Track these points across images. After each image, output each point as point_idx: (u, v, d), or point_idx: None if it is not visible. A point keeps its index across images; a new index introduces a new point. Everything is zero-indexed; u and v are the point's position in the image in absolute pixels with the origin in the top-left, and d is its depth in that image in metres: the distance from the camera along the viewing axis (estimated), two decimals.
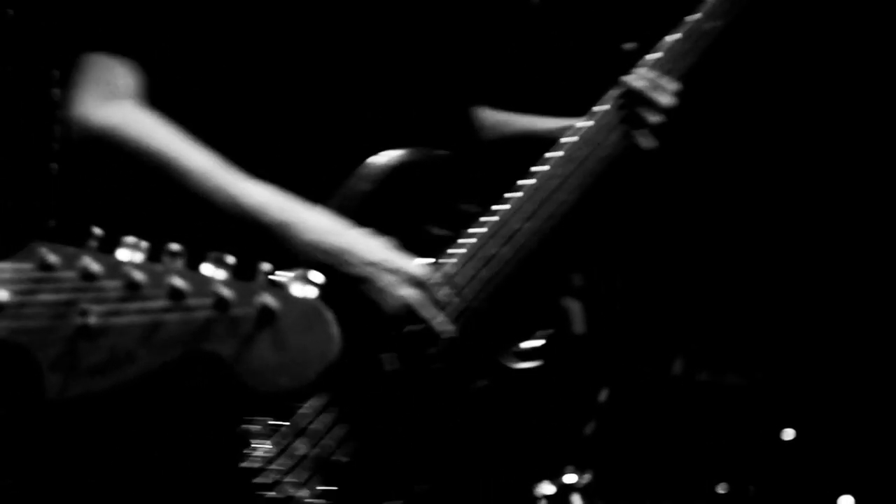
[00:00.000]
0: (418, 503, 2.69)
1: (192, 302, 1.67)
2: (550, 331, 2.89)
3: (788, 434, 4.53)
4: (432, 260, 2.71)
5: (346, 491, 2.59)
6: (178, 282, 1.67)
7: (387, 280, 2.62)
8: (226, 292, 1.67)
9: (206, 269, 1.69)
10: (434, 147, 2.82)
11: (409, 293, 2.63)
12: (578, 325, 3.32)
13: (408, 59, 2.84)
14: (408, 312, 2.64)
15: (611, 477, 3.84)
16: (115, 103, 2.61)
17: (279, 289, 1.68)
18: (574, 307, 3.18)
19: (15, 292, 1.67)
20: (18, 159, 3.05)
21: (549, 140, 2.87)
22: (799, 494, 4.50)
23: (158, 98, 2.65)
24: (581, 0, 3.39)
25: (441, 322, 2.66)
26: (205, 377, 1.66)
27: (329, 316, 1.68)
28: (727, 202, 4.43)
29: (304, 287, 1.69)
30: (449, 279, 2.70)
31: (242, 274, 1.70)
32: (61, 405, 1.65)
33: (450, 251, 2.73)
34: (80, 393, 1.65)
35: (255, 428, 2.52)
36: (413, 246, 2.70)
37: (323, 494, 2.57)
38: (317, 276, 1.70)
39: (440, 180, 2.80)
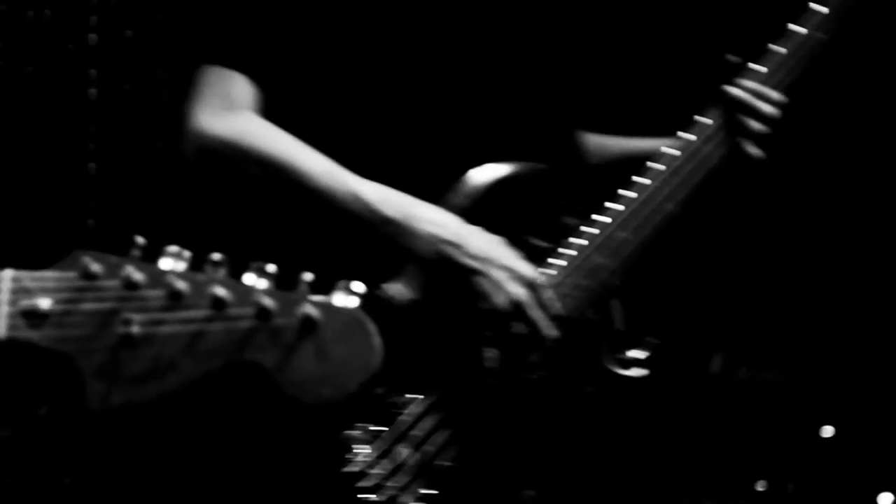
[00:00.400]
0: None
1: (234, 311, 1.67)
2: (655, 340, 2.91)
3: (828, 431, 4.51)
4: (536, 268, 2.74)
5: (449, 495, 2.62)
6: (221, 291, 1.67)
7: (499, 276, 2.66)
8: (268, 302, 1.67)
9: (248, 278, 1.69)
10: (538, 161, 2.85)
11: (519, 291, 2.66)
12: (618, 322, 3.30)
13: (512, 74, 2.86)
14: (516, 310, 2.67)
15: (650, 474, 3.82)
16: (233, 113, 2.70)
17: (321, 299, 1.68)
18: (615, 304, 3.16)
19: (58, 301, 1.67)
20: (58, 163, 3.07)
21: (652, 159, 2.88)
22: (838, 492, 4.48)
23: (270, 112, 2.73)
24: (683, 12, 3.39)
25: (548, 325, 2.69)
26: (247, 387, 1.66)
27: (371, 327, 1.68)
28: (768, 200, 4.40)
29: (347, 297, 1.69)
30: (554, 287, 2.72)
31: (284, 284, 1.70)
32: (103, 414, 1.65)
33: (551, 261, 2.75)
34: (123, 402, 1.65)
35: (356, 433, 2.55)
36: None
37: (425, 498, 2.60)
38: (358, 287, 1.70)
39: (542, 193, 2.83)
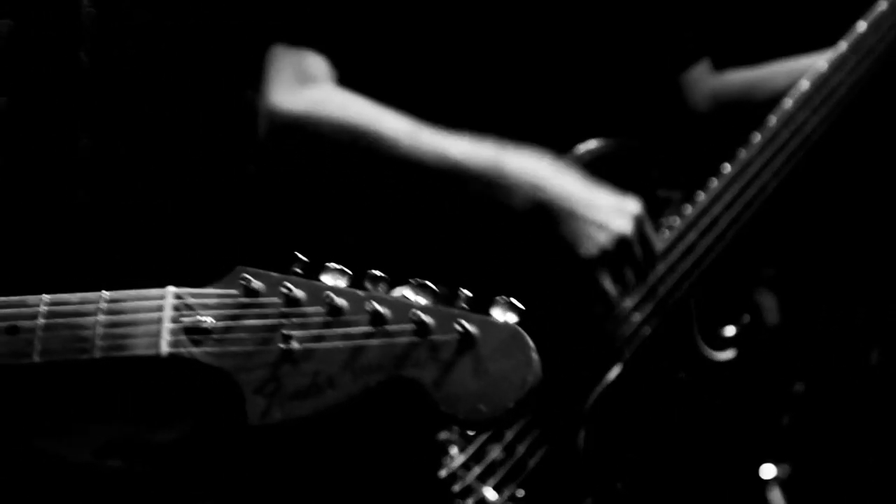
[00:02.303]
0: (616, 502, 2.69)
1: (393, 327, 1.67)
2: (746, 321, 2.85)
3: None
4: None
5: (542, 496, 2.60)
6: (380, 307, 1.67)
7: (601, 214, 2.55)
8: (426, 318, 1.67)
9: (407, 294, 1.69)
10: (632, 135, 2.79)
11: (625, 225, 2.57)
12: (772, 316, 3.26)
13: (597, 45, 2.80)
14: (621, 247, 2.56)
15: (810, 470, 3.77)
16: (308, 86, 2.63)
17: (479, 314, 1.68)
18: (768, 299, 3.11)
19: (220, 318, 1.69)
20: (217, 182, 3.09)
21: (771, 102, 2.81)
22: None
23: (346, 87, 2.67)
24: None
25: (652, 261, 2.60)
26: (403, 404, 1.67)
27: (530, 342, 1.67)
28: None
29: (505, 312, 1.68)
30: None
31: (443, 300, 1.70)
32: (262, 430, 1.67)
33: None
34: (282, 418, 1.66)
35: (449, 436, 2.54)
36: None
37: (518, 499, 2.58)
38: (517, 302, 1.69)
39: (637, 170, 2.78)
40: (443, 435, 2.56)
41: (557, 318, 2.64)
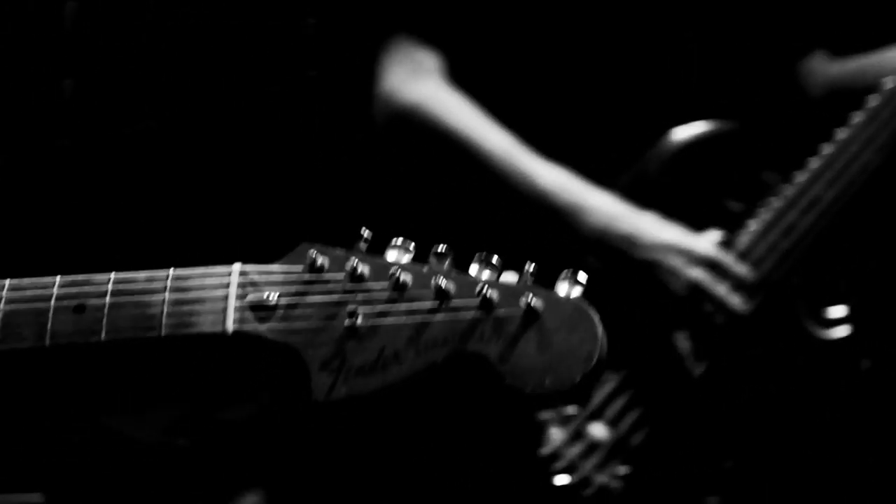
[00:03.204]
0: (723, 481, 2.70)
1: (457, 302, 1.67)
2: (855, 298, 2.84)
3: None
4: (725, 235, 2.69)
5: (646, 473, 2.62)
6: (445, 282, 1.67)
7: (675, 262, 2.64)
8: (491, 292, 1.67)
9: (472, 269, 1.69)
10: (735, 119, 2.80)
11: (697, 274, 2.63)
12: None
13: (700, 29, 2.82)
14: (698, 293, 2.64)
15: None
16: (421, 79, 2.76)
17: (544, 288, 1.67)
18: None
19: (286, 294, 1.70)
20: (281, 160, 3.11)
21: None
22: None
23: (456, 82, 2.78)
24: None
25: (734, 300, 2.65)
26: (468, 379, 1.67)
27: (595, 316, 1.67)
28: None
29: (570, 286, 1.67)
30: (745, 254, 2.68)
31: (507, 274, 1.69)
32: (328, 407, 1.67)
33: (747, 224, 2.71)
34: (347, 394, 1.67)
35: (548, 416, 2.56)
36: (708, 222, 2.69)
37: (623, 477, 2.60)
38: (583, 276, 1.68)
39: (738, 152, 2.79)
40: (543, 415, 2.59)
41: (654, 300, 2.67)
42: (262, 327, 1.70)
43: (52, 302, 1.73)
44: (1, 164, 2.95)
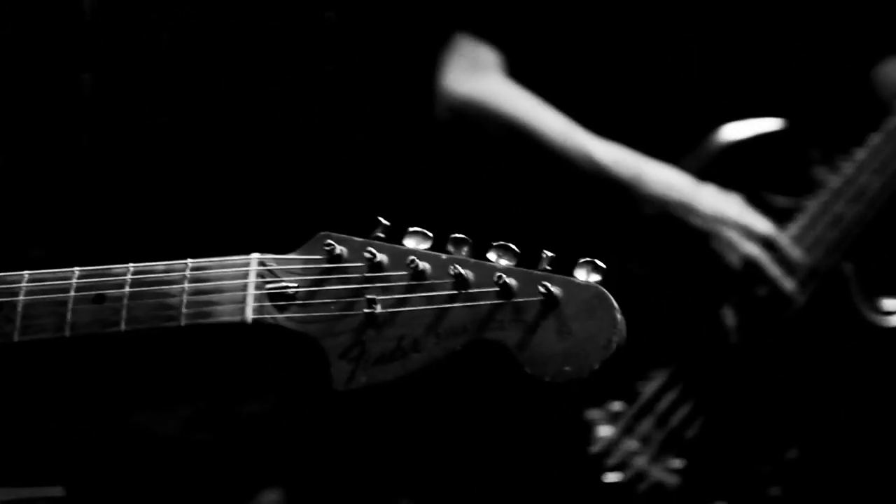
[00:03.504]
0: (787, 471, 2.70)
1: (476, 290, 1.67)
2: None
3: None
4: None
5: (701, 465, 2.61)
6: (463, 270, 1.67)
7: (732, 235, 2.64)
8: (509, 280, 1.66)
9: (490, 256, 1.69)
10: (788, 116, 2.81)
11: (754, 250, 2.63)
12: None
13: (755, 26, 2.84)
14: (753, 271, 2.64)
15: None
16: (481, 75, 2.86)
17: (562, 276, 1.67)
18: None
19: (304, 283, 1.69)
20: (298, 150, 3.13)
21: None
22: None
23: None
24: None
25: (789, 282, 2.64)
26: (488, 366, 1.67)
27: (613, 302, 1.66)
28: None
29: (588, 273, 1.67)
30: (797, 242, 2.67)
31: (525, 261, 1.69)
32: (347, 395, 1.67)
33: (794, 217, 2.71)
34: (367, 383, 1.66)
35: (597, 413, 2.56)
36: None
37: (677, 471, 2.59)
38: (600, 263, 1.68)
39: (793, 148, 2.79)
40: (589, 414, 2.60)
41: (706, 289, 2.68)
42: (281, 317, 1.70)
43: (72, 293, 1.73)
44: (20, 157, 2.96)
